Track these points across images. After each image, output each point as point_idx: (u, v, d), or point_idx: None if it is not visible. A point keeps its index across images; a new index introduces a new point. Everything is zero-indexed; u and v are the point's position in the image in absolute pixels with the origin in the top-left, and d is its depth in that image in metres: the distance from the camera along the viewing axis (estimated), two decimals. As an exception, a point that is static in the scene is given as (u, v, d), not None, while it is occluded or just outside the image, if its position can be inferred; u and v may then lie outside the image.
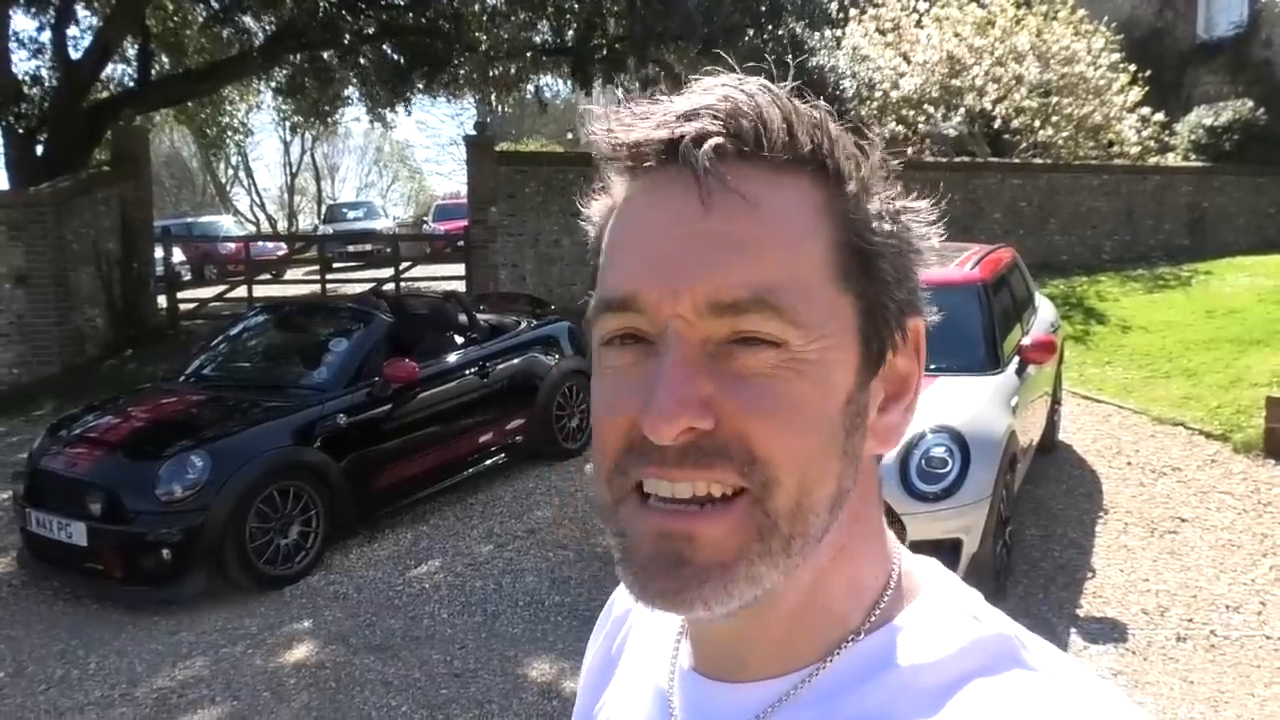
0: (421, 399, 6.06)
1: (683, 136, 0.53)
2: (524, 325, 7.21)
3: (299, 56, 12.63)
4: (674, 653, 0.67)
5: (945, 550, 4.39)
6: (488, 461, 6.62)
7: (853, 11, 15.19)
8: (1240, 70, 16.20)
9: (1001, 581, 4.70)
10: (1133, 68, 14.80)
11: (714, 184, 0.53)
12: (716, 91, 0.55)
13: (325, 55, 12.45)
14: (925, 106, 14.78)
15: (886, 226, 0.57)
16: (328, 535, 5.45)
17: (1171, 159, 15.49)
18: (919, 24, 14.92)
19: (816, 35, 12.67)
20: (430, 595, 5.08)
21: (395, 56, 12.83)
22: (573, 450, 7.18)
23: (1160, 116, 14.93)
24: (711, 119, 0.54)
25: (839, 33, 14.26)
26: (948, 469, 4.40)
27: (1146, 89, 14.87)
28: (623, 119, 0.57)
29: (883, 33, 15.22)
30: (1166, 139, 15.40)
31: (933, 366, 5.13)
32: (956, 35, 14.68)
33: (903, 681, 0.56)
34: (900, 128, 14.90)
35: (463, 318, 6.86)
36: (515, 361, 6.84)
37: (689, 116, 0.54)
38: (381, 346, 6.04)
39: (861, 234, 0.56)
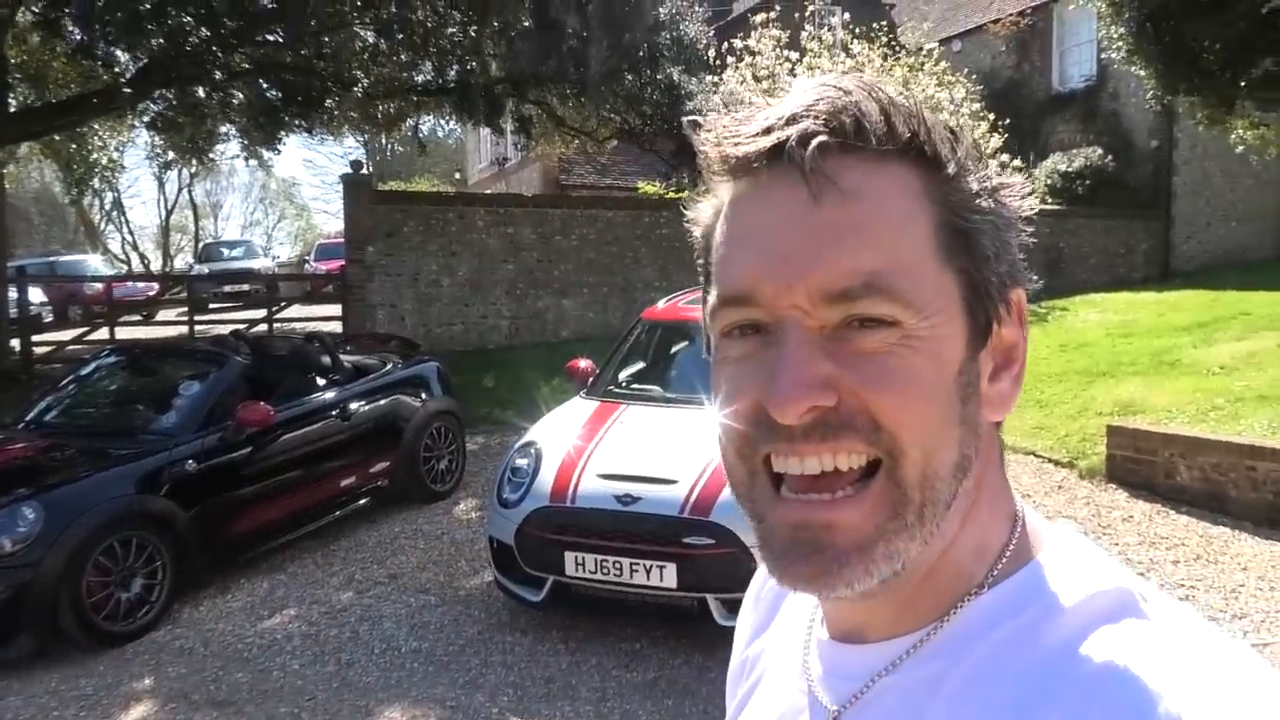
0: (279, 443, 5.91)
1: (788, 138, 0.56)
2: (390, 366, 7.11)
3: (170, 91, 12.29)
4: (811, 617, 0.70)
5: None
6: (351, 506, 6.47)
7: (730, 60, 15.64)
8: (1091, 120, 17.24)
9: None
10: (992, 116, 15.60)
11: (820, 180, 0.55)
12: (815, 91, 0.58)
13: (198, 91, 12.15)
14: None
15: (984, 204, 0.59)
16: (176, 587, 5.23)
17: (1034, 202, 16.33)
18: (792, 72, 15.43)
19: (693, 81, 12.96)
20: (282, 646, 4.92)
21: (270, 94, 12.60)
22: (441, 493, 7.08)
23: (1018, 163, 15.74)
24: (813, 119, 0.56)
25: (716, 79, 14.63)
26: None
27: (1005, 136, 15.68)
28: (728, 129, 0.59)
29: (758, 79, 15.69)
30: (1033, 182, 16.24)
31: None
32: (827, 83, 15.23)
33: (1023, 634, 0.57)
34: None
35: (325, 359, 6.73)
36: (380, 403, 6.73)
37: (792, 120, 0.56)
38: (237, 389, 5.88)
39: (961, 213, 0.58)
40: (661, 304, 6.74)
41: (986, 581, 0.60)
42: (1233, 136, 11.10)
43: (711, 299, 0.61)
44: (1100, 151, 16.18)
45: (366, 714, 4.22)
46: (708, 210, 0.64)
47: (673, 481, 4.68)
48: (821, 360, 0.55)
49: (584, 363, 6.34)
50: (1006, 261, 0.60)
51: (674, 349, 6.43)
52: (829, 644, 0.66)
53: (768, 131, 0.57)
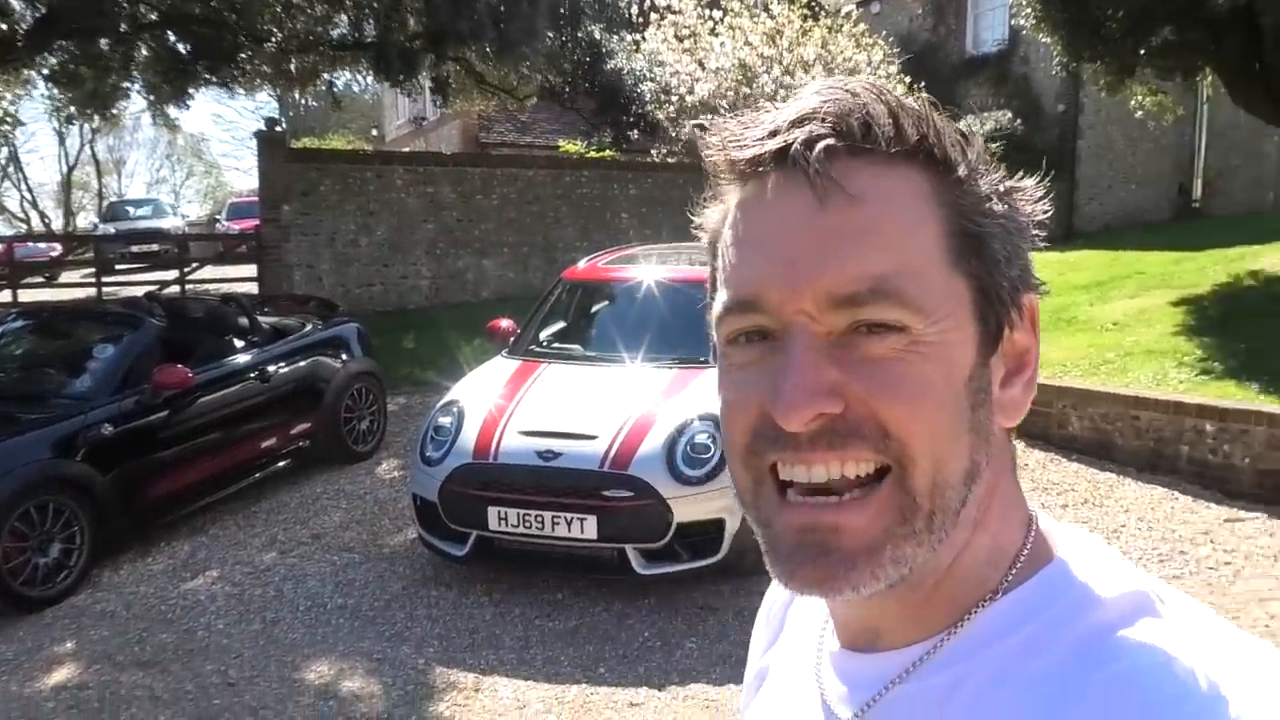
0: (197, 405, 5.88)
1: (794, 141, 0.55)
2: (309, 327, 7.08)
3: (71, 43, 11.81)
4: (823, 628, 0.69)
5: (710, 529, 4.69)
6: (272, 467, 6.48)
7: (653, 17, 15.63)
8: (1003, 84, 17.68)
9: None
10: (909, 79, 15.92)
11: (826, 183, 0.55)
12: (823, 94, 0.57)
13: (101, 43, 11.70)
14: (720, 112, 15.38)
15: (996, 208, 0.59)
16: (95, 552, 5.21)
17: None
18: (713, 32, 15.51)
19: (615, 39, 12.94)
20: (206, 606, 4.96)
21: (178, 47, 12.20)
22: (363, 453, 7.12)
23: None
24: (820, 122, 0.55)
25: (638, 37, 14.64)
26: (710, 454, 4.71)
27: (922, 99, 16.02)
28: (733, 133, 0.59)
29: (680, 39, 15.73)
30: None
31: (702, 358, 5.45)
32: (748, 44, 15.35)
33: (1041, 638, 0.57)
34: (697, 132, 15.44)
35: (243, 320, 6.68)
36: (300, 364, 6.72)
37: (799, 122, 0.56)
38: (152, 352, 5.81)
39: (971, 217, 0.57)
40: (582, 264, 6.84)
41: (1001, 587, 0.60)
42: (1132, 102, 11.55)
43: (717, 305, 0.60)
44: (1010, 115, 16.64)
45: (293, 669, 4.31)
46: (714, 216, 0.64)
47: (593, 437, 4.83)
48: (828, 366, 0.55)
49: (505, 322, 6.42)
50: (1018, 266, 0.59)
51: (594, 308, 6.55)
52: (840, 653, 0.66)
53: (773, 135, 0.56)
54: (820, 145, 0.55)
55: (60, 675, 4.29)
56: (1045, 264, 8.68)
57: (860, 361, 0.55)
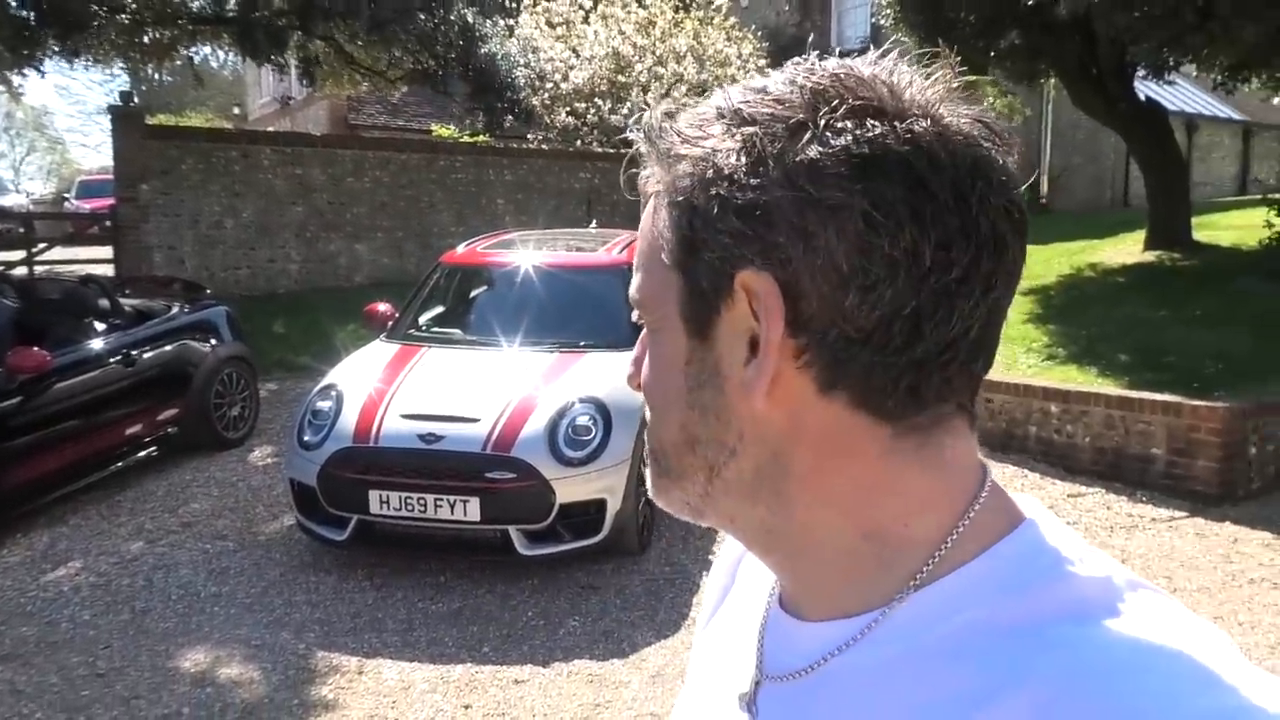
0: (55, 390, 5.62)
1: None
2: (175, 310, 6.85)
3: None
4: (772, 588, 0.72)
5: (592, 509, 4.80)
6: (137, 455, 6.25)
7: (526, 2, 15.57)
8: (865, 80, 18.38)
9: (645, 535, 5.20)
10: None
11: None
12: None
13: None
14: (595, 99, 15.47)
15: (696, 198, 0.59)
16: (-57, 544, 4.94)
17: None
18: (586, 20, 15.57)
19: (488, 23, 12.84)
20: (70, 598, 4.78)
21: (23, 13, 11.47)
22: (234, 440, 6.94)
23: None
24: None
25: (511, 22, 14.55)
26: (591, 436, 4.82)
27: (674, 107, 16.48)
28: None
29: (552, 26, 15.73)
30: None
31: (582, 343, 5.55)
32: (621, 33, 15.49)
33: (987, 620, 0.57)
34: (571, 119, 15.49)
35: (104, 302, 6.40)
36: (166, 349, 6.49)
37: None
38: (5, 334, 5.52)
39: (684, 213, 0.60)
40: (461, 248, 6.83)
41: (926, 572, 0.60)
42: (985, 104, 12.21)
43: None
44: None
45: (167, 658, 4.21)
46: None
47: (475, 420, 4.87)
48: (642, 349, 0.69)
49: (383, 306, 6.37)
50: (717, 246, 0.58)
51: (473, 293, 6.56)
52: (779, 615, 0.69)
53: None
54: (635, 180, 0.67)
55: (-90, 673, 4.07)
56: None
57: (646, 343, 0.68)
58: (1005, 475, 6.45)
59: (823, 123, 0.56)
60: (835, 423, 0.59)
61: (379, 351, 5.75)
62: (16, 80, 13.42)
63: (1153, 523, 5.76)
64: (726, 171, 0.58)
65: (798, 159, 0.56)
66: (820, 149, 0.56)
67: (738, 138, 0.58)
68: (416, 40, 12.14)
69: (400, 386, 5.20)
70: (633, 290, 0.66)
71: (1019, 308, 9.47)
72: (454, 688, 3.98)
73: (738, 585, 0.81)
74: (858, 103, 0.57)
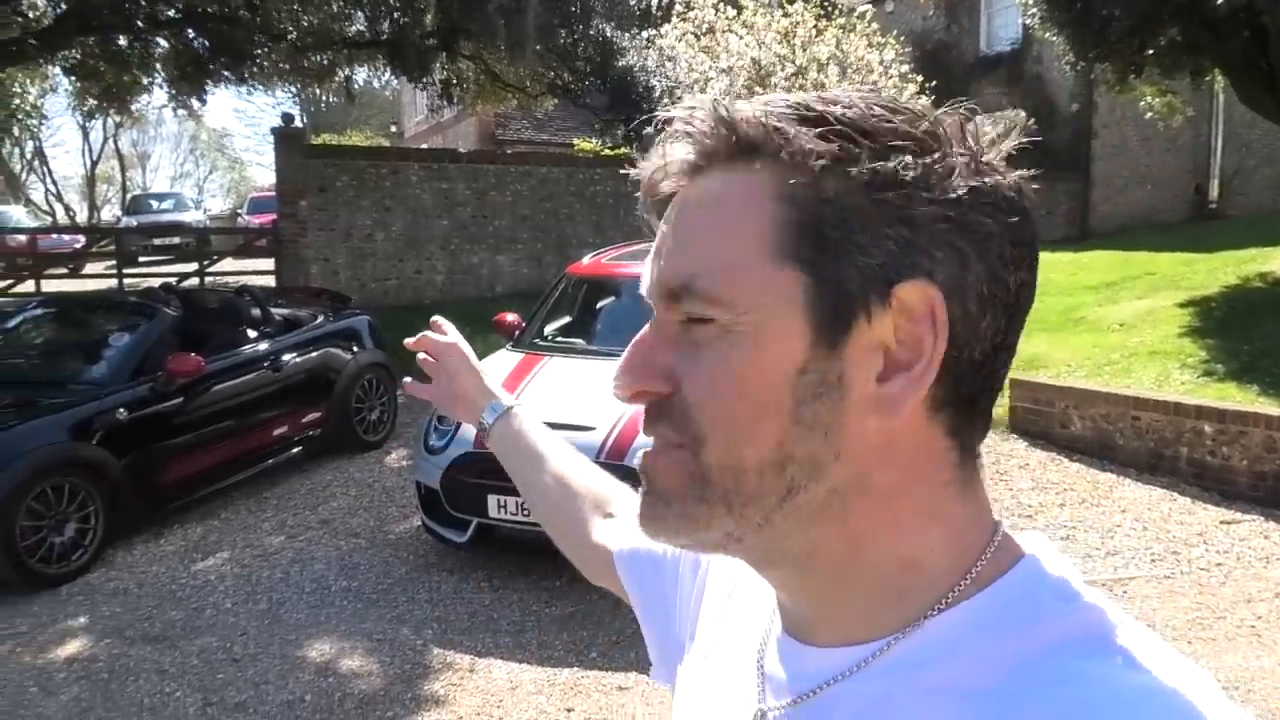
0: (210, 393, 6.04)
1: (659, 178, 0.64)
2: (321, 319, 7.24)
3: (91, 39, 12.03)
4: (773, 611, 0.70)
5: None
6: (284, 454, 6.63)
7: (673, 13, 15.71)
8: (1016, 83, 17.69)
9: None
10: (920, 78, 15.95)
11: (678, 196, 0.62)
12: (681, 119, 0.62)
13: (119, 39, 11.91)
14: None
15: (853, 200, 0.57)
16: (109, 532, 5.37)
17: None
18: (728, 29, 15.59)
19: (626, 36, 13.04)
20: (215, 586, 5.12)
21: (196, 43, 12.40)
22: (373, 443, 7.27)
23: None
24: (685, 142, 0.62)
25: (654, 34, 14.73)
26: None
27: (934, 98, 15.99)
28: (641, 176, 0.66)
29: (698, 36, 15.81)
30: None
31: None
32: (761, 43, 15.42)
33: (983, 654, 0.57)
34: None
35: (256, 311, 6.84)
36: (311, 355, 6.87)
37: (661, 162, 0.63)
38: (167, 340, 5.98)
39: (811, 209, 0.58)
40: (587, 259, 6.96)
41: (944, 602, 0.60)
42: (1142, 104, 11.56)
43: None
44: (1023, 114, 16.61)
45: (296, 647, 4.45)
46: None
47: (590, 428, 4.94)
48: (666, 352, 0.60)
49: (510, 317, 6.55)
50: (882, 254, 0.57)
51: (597, 303, 6.67)
52: (785, 639, 0.67)
53: (652, 173, 0.64)
54: (669, 180, 0.62)
55: (72, 648, 4.45)
56: (1056, 265, 8.76)
57: (688, 347, 0.59)
58: (1152, 498, 6.07)
59: (981, 156, 0.59)
60: (927, 445, 0.60)
61: (504, 360, 5.92)
62: (195, 105, 14.51)
63: (1316, 554, 5.30)
64: (898, 179, 0.58)
65: (969, 184, 0.58)
66: (982, 180, 0.58)
67: (904, 150, 0.58)
68: (556, 56, 12.46)
69: (521, 394, 5.33)
70: (706, 283, 0.58)
71: (1175, 320, 8.90)
72: (559, 690, 4.05)
73: (714, 583, 0.82)
74: (993, 141, 0.61)
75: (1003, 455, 6.99)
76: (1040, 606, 0.58)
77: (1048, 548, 0.63)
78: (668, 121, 0.63)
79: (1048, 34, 10.07)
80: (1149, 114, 11.71)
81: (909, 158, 0.58)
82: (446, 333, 1.25)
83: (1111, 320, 9.52)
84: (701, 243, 0.60)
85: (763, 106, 0.60)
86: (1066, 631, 0.56)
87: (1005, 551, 0.62)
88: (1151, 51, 9.41)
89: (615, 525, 1.04)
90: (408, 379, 1.30)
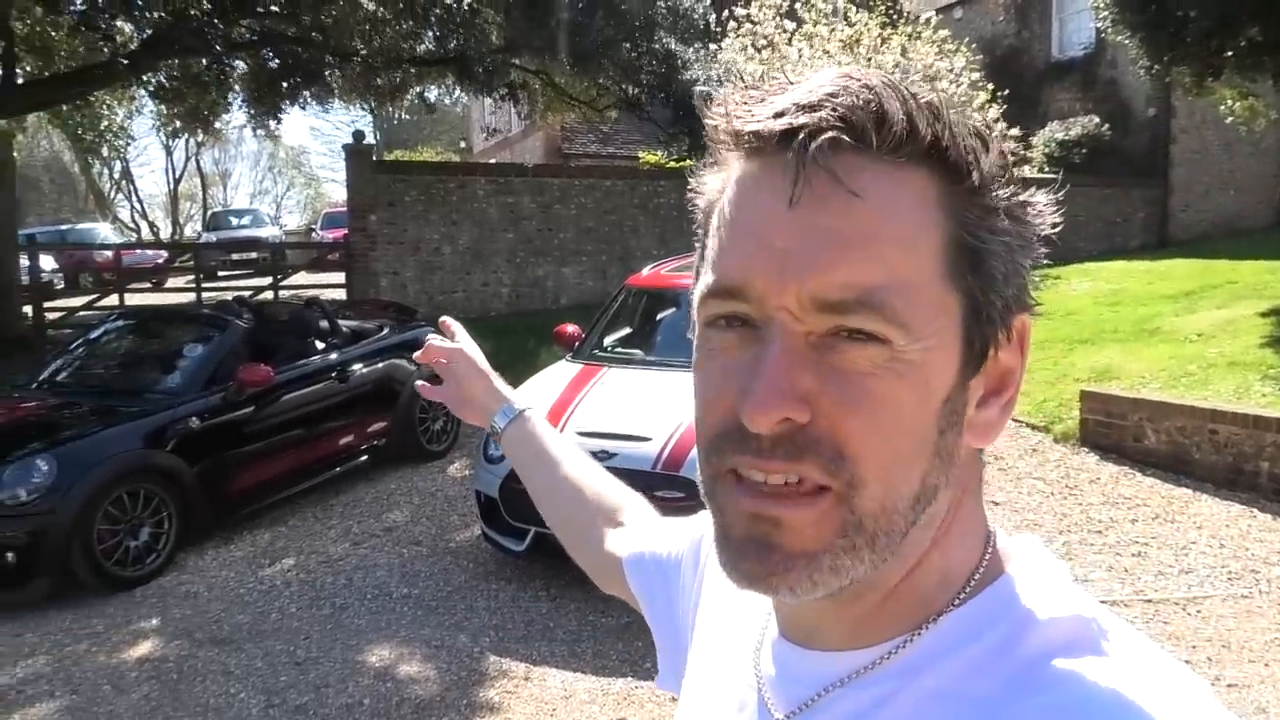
0: (280, 403, 6.20)
1: (801, 128, 0.52)
2: (387, 331, 7.39)
3: (173, 62, 12.50)
4: (768, 612, 0.68)
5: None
6: (350, 463, 6.78)
7: (731, 25, 15.72)
8: (1090, 88, 17.28)
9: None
10: (990, 86, 15.68)
11: (826, 179, 0.52)
12: (836, 82, 0.54)
13: (200, 61, 12.35)
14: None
15: (1002, 222, 0.55)
16: (182, 537, 5.55)
17: (1028, 171, 16.43)
18: (790, 41, 15.52)
19: (690, 50, 13.09)
20: (281, 591, 5.24)
21: (271, 64, 12.79)
22: (437, 452, 7.38)
23: (1016, 131, 15.82)
24: (830, 111, 0.52)
25: (715, 47, 14.74)
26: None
27: (1005, 106, 15.75)
28: (742, 104, 0.56)
29: (758, 49, 15.78)
30: (1023, 152, 16.33)
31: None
32: (826, 53, 15.32)
33: (978, 660, 0.56)
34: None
35: (324, 323, 7.01)
36: (377, 366, 7.02)
37: (808, 108, 0.53)
38: (239, 351, 6.16)
39: (975, 231, 0.54)
40: (646, 271, 6.99)
41: (949, 606, 0.59)
42: (1222, 107, 11.20)
43: (701, 284, 0.58)
44: (1097, 120, 16.25)
45: (357, 651, 4.54)
46: (714, 183, 0.61)
47: (647, 439, 4.95)
48: (803, 372, 0.53)
49: (570, 328, 6.61)
50: (1015, 285, 0.56)
51: (656, 314, 6.68)
52: (782, 643, 0.65)
53: (779, 116, 0.53)
54: (824, 138, 0.52)
55: (144, 649, 4.60)
56: (1132, 274, 8.52)
57: (836, 372, 0.53)
58: (1230, 515, 5.86)
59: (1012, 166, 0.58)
60: (972, 459, 0.60)
61: (563, 371, 5.97)
62: (271, 124, 14.96)
63: (1407, 575, 5.06)
64: (1025, 204, 0.58)
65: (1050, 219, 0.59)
66: (1028, 193, 0.58)
67: (1010, 173, 0.57)
68: (620, 69, 12.55)
69: (579, 405, 5.37)
70: (894, 299, 0.52)
71: (1257, 330, 8.59)
72: (612, 700, 4.06)
73: (710, 582, 0.81)
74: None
75: (1073, 469, 6.81)
76: (1034, 613, 0.57)
77: (1042, 552, 0.62)
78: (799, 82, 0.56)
79: (1120, 37, 9.82)
80: (1229, 118, 11.34)
81: (1014, 173, 0.57)
82: (454, 334, 1.26)
83: (1189, 330, 9.22)
84: (885, 249, 0.53)
85: (928, 99, 0.55)
86: (1060, 637, 0.55)
87: (1000, 557, 0.61)
88: (1230, 53, 9.12)
89: (625, 533, 1.05)
90: (421, 381, 1.33)
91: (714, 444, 0.56)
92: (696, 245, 0.62)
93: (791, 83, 0.55)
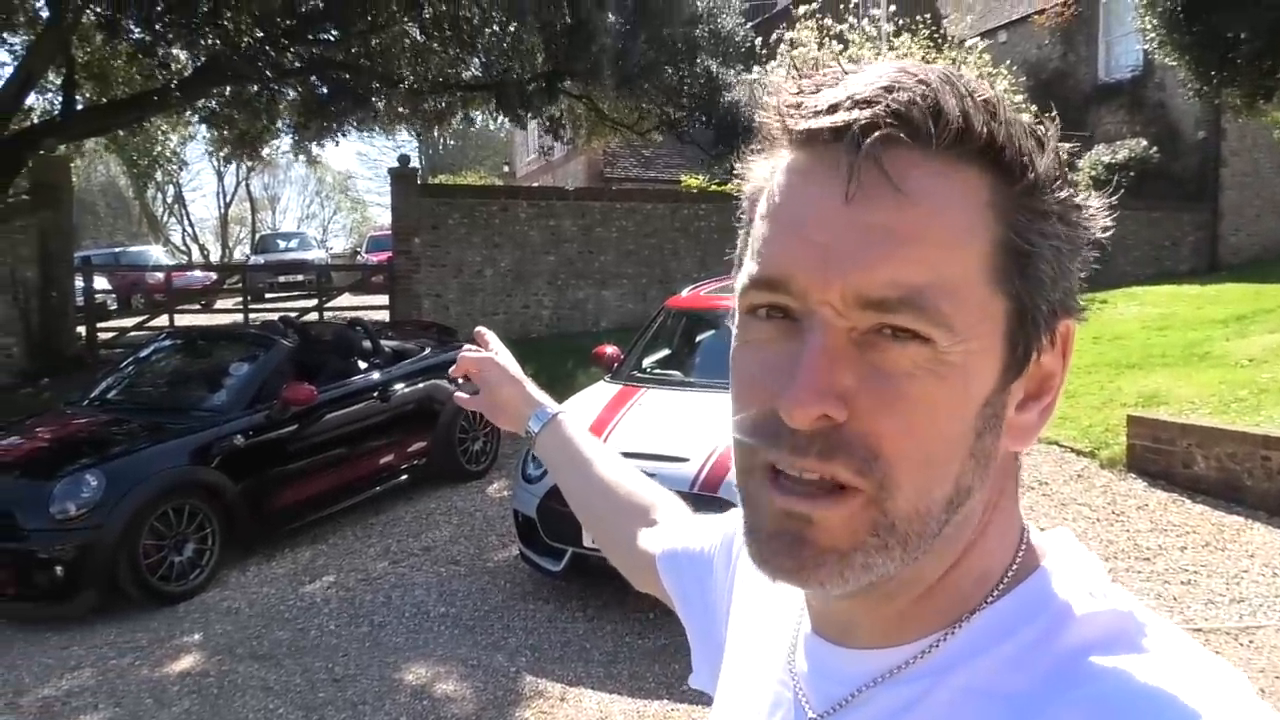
0: (322, 421, 6.28)
1: (855, 123, 0.52)
2: (428, 351, 7.46)
3: (225, 89, 12.82)
4: (801, 608, 0.68)
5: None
6: (390, 482, 6.83)
7: (779, 49, 15.79)
8: (1138, 110, 17.06)
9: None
10: (1035, 108, 15.53)
11: (877, 175, 0.51)
12: (891, 76, 0.53)
13: (251, 88, 12.66)
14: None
15: (1053, 226, 0.55)
16: (225, 553, 5.62)
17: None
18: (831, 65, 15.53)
19: (732, 72, 13.15)
20: (320, 609, 5.29)
21: (320, 91, 13.06)
22: (476, 472, 7.42)
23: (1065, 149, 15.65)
24: (885, 106, 0.51)
25: (760, 69, 14.81)
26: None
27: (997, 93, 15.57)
28: (796, 94, 0.56)
29: (801, 74, 15.81)
30: (1069, 175, 16.14)
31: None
32: (868, 76, 15.30)
33: (1014, 656, 0.56)
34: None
35: (366, 343, 7.09)
36: (418, 386, 7.08)
37: (863, 103, 0.52)
38: (283, 370, 6.26)
39: (1025, 233, 0.54)
40: (685, 292, 7.00)
41: (986, 601, 0.58)
42: (1276, 133, 11.01)
43: (743, 274, 0.58)
44: (1145, 143, 16.04)
45: (394, 669, 4.55)
46: (760, 170, 0.60)
47: (684, 460, 4.94)
48: (843, 370, 0.52)
49: (610, 349, 6.63)
50: (1062, 289, 0.56)
51: (695, 336, 6.68)
52: (816, 640, 0.64)
53: (833, 110, 0.53)
54: (877, 134, 0.51)
55: (186, 663, 4.66)
56: (1182, 298, 8.38)
57: (876, 369, 0.52)
58: (1285, 543, 5.70)
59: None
60: (1010, 459, 0.60)
61: (602, 392, 5.99)
62: (316, 150, 15.25)
63: None
64: (1078, 207, 0.57)
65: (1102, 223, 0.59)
66: (1081, 196, 0.58)
67: (1058, 170, 0.56)
68: (662, 93, 12.65)
69: (617, 425, 5.38)
70: (940, 298, 0.52)
71: (1316, 355, 8.39)
72: (648, 722, 4.03)
73: (742, 576, 0.81)
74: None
75: (1119, 495, 6.67)
76: (1069, 607, 0.57)
77: (1076, 546, 0.62)
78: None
79: (1168, 59, 9.71)
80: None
81: (1069, 176, 0.56)
82: (488, 343, 1.27)
83: (1240, 355, 9.02)
84: (933, 249, 0.52)
85: (984, 98, 0.54)
86: (1096, 632, 0.55)
87: (1034, 552, 0.61)
88: (1281, 74, 8.98)
89: (658, 531, 1.05)
90: (458, 392, 1.34)
91: (749, 435, 0.56)
92: (740, 234, 0.62)
93: (847, 73, 0.55)
